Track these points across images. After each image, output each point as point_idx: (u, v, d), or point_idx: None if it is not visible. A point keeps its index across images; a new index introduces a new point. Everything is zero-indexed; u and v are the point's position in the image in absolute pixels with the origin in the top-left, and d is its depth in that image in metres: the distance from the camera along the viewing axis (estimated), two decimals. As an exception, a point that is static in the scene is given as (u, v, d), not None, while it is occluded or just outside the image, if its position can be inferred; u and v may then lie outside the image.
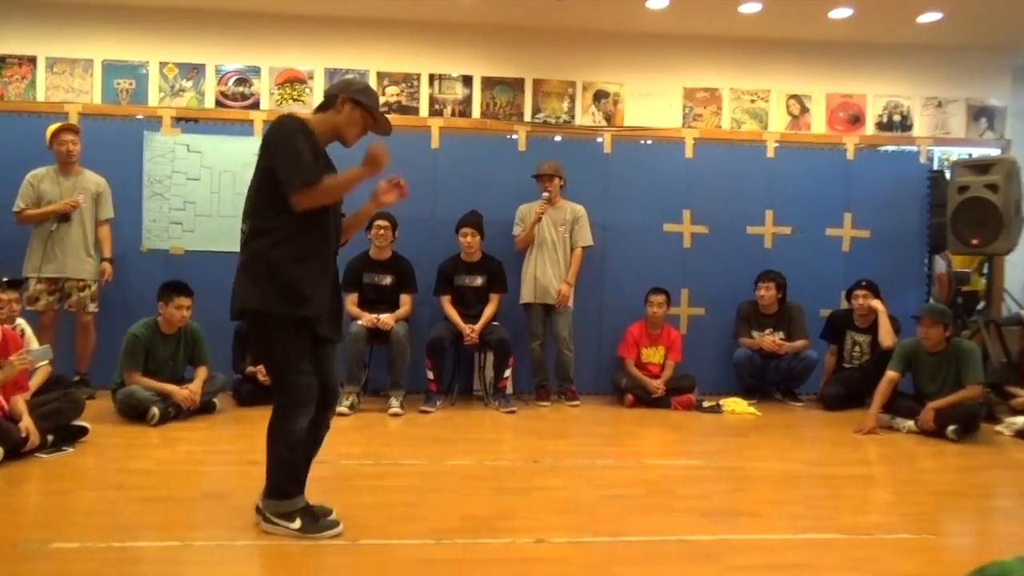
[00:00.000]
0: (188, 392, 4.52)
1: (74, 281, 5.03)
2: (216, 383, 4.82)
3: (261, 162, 2.66)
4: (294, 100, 6.04)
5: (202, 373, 4.71)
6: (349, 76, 2.82)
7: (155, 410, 4.32)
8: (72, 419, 3.89)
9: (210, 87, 5.99)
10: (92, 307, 5.12)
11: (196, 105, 5.95)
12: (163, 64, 5.94)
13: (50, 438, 3.66)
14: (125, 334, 4.60)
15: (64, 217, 4.95)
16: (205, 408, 4.68)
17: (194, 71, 5.97)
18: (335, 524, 2.70)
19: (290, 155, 2.59)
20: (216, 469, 3.58)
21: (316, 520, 2.68)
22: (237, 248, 5.47)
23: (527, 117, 6.18)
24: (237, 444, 4.11)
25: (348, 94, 2.72)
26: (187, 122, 5.74)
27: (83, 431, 3.89)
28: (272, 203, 2.62)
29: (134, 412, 4.36)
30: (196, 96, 5.97)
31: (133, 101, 5.90)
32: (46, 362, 4.04)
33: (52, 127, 5.06)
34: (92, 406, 4.42)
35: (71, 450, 3.71)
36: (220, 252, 5.56)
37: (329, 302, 2.74)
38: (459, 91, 6.15)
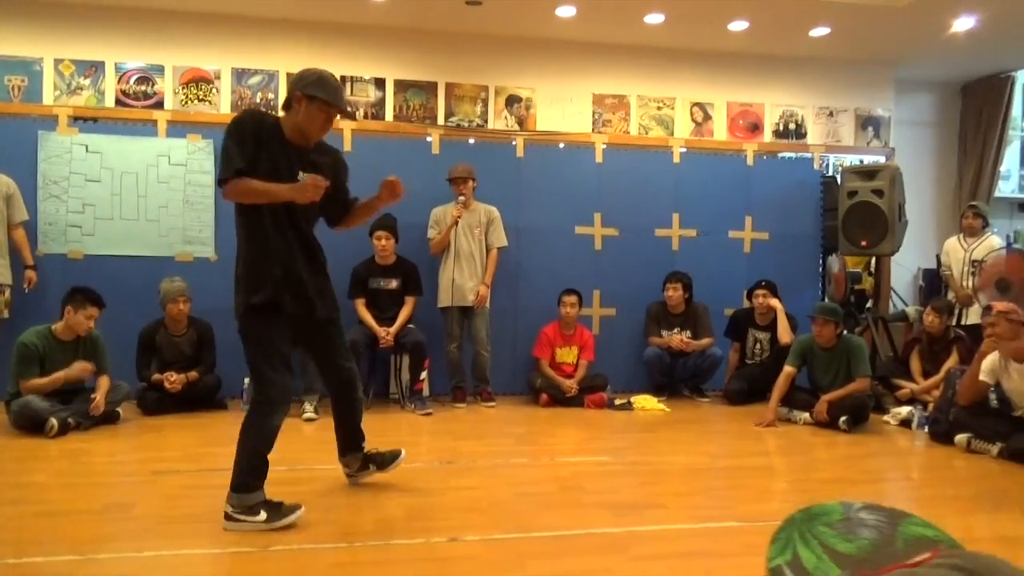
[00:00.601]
0: (82, 367, 4.43)
1: None
2: (120, 392, 4.65)
3: None
4: (199, 100, 5.88)
5: (104, 383, 4.53)
6: (306, 68, 2.89)
7: (54, 421, 4.13)
8: (-39, 433, 3.69)
9: (110, 85, 5.76)
10: (5, 313, 4.90)
11: (95, 104, 5.72)
12: (59, 61, 5.69)
13: (-64, 454, 3.48)
14: (14, 344, 4.40)
15: None
16: (108, 418, 4.50)
17: (92, 68, 5.74)
18: (296, 507, 2.81)
19: (222, 149, 2.76)
20: (120, 480, 3.47)
21: (278, 508, 2.78)
22: (140, 252, 5.39)
23: (440, 120, 6.22)
24: (142, 454, 3.99)
25: (301, 89, 2.78)
26: (85, 121, 5.52)
27: (-27, 445, 3.71)
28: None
29: (31, 424, 4.16)
30: (95, 95, 5.74)
31: (26, 99, 5.62)
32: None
33: None
34: (-17, 419, 4.21)
35: (-40, 466, 3.53)
36: (122, 256, 5.38)
37: (294, 282, 2.91)
38: (372, 94, 6.13)
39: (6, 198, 4.95)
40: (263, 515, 2.74)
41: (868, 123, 6.91)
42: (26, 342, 4.35)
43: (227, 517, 2.75)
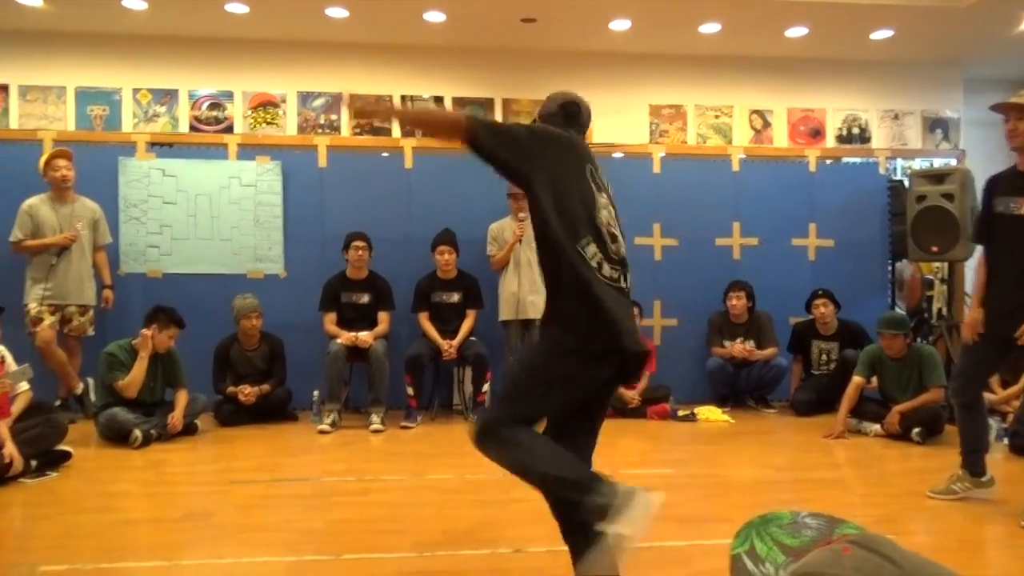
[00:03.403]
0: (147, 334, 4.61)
1: (75, 306, 5.09)
2: (197, 405, 4.86)
3: None
4: (267, 123, 6.11)
5: (182, 398, 4.74)
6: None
7: (137, 433, 4.35)
8: (55, 444, 3.92)
9: (184, 112, 6.05)
10: (91, 331, 5.19)
11: (170, 130, 6.00)
12: (136, 90, 6.00)
13: (34, 463, 3.69)
14: (99, 355, 4.65)
15: (63, 249, 5.01)
16: (187, 429, 4.71)
17: (168, 96, 6.03)
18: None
19: None
20: (199, 489, 3.63)
21: None
22: (213, 270, 5.62)
23: (499, 136, 6.29)
24: (219, 464, 4.16)
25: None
26: (162, 147, 5.81)
27: (66, 455, 3.92)
28: None
29: (116, 435, 4.39)
30: (170, 121, 6.02)
31: (107, 127, 5.94)
32: (27, 386, 4.05)
33: (45, 155, 5.09)
34: (74, 430, 4.45)
35: (55, 475, 3.74)
36: (198, 274, 5.62)
37: None
38: (432, 111, 6.26)
39: (94, 223, 5.24)
40: None
41: (936, 125, 6.72)
42: (111, 352, 4.62)
43: None
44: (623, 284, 2.30)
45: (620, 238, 2.34)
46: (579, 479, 2.24)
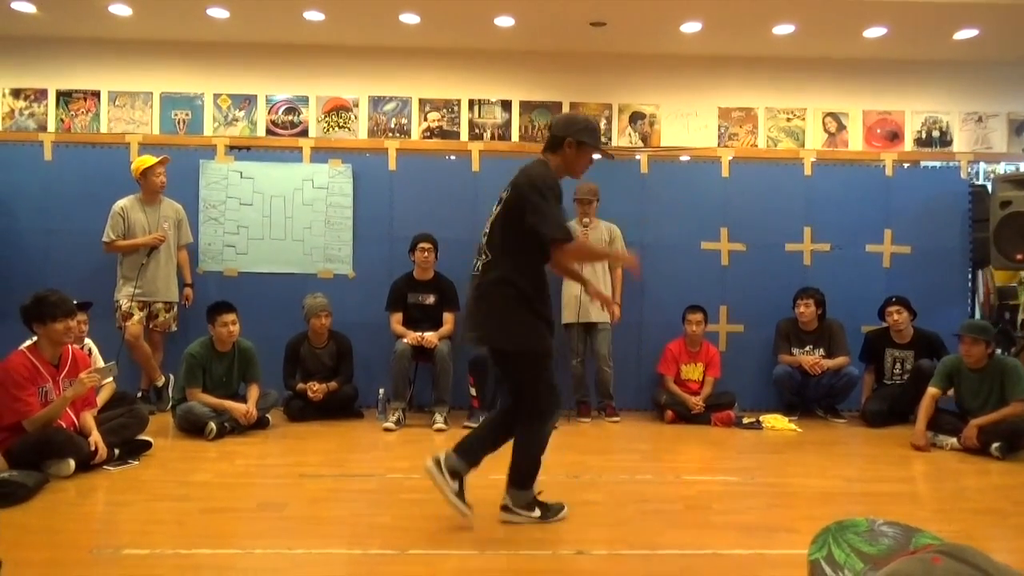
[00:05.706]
0: (245, 409, 4.73)
1: (162, 303, 5.34)
2: (269, 399, 5.03)
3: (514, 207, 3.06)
4: (339, 127, 6.28)
5: (254, 391, 4.91)
6: (571, 113, 3.21)
7: (212, 425, 4.53)
8: (137, 433, 4.12)
9: (261, 116, 6.27)
10: (174, 327, 5.43)
11: (248, 134, 6.23)
12: (217, 95, 6.24)
13: (117, 452, 3.89)
14: (183, 353, 4.85)
15: (152, 248, 5.27)
16: (259, 423, 4.87)
17: (246, 101, 6.26)
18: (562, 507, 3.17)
19: (544, 208, 2.99)
20: (271, 481, 3.76)
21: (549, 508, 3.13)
22: (286, 269, 5.78)
23: (565, 139, 6.32)
24: (289, 458, 4.29)
25: (573, 136, 3.05)
26: (240, 150, 6.02)
27: (147, 445, 4.12)
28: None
29: (193, 427, 4.58)
30: (248, 125, 6.25)
31: (189, 131, 6.21)
32: (111, 379, 4.28)
33: (148, 161, 5.32)
34: (153, 421, 4.66)
35: (136, 463, 3.93)
36: (271, 273, 5.80)
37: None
38: (498, 115, 6.33)
39: (177, 223, 5.48)
40: (537, 512, 3.10)
41: (1023, 128, 6.43)
42: (192, 352, 4.81)
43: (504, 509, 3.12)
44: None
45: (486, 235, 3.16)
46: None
